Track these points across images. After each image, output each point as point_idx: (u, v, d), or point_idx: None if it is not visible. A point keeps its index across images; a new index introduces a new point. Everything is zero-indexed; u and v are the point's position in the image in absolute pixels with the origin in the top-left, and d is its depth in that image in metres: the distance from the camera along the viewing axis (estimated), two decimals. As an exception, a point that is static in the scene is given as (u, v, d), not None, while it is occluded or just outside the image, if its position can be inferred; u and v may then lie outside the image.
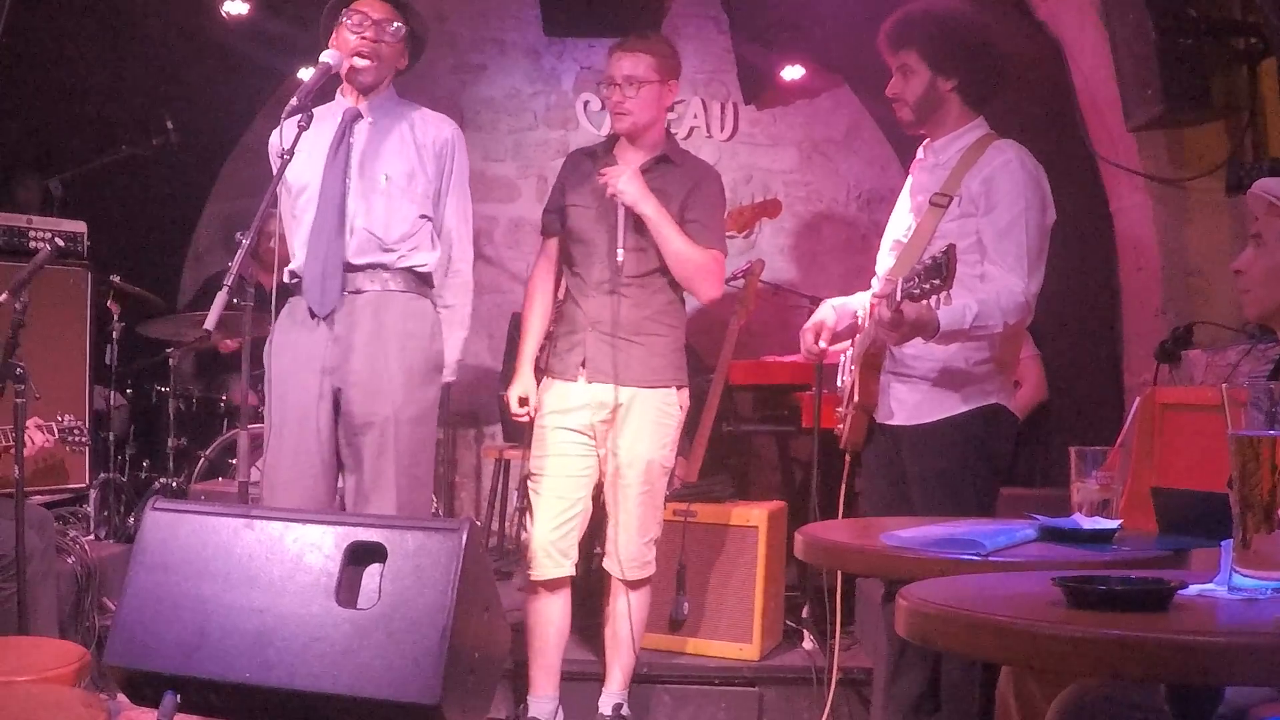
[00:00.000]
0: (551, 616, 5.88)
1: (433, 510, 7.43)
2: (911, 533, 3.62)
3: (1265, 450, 2.66)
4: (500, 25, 10.34)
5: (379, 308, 5.37)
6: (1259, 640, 2.26)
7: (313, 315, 5.33)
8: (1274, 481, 2.66)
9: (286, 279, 5.47)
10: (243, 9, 7.95)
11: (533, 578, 5.84)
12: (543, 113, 10.34)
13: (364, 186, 5.38)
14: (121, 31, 8.16)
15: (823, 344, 5.23)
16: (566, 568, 5.84)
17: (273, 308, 5.49)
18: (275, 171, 5.02)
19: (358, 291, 5.35)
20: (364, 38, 5.41)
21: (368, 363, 5.31)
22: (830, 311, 5.28)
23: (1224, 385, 2.86)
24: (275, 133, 5.37)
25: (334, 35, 5.51)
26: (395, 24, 5.49)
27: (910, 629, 2.57)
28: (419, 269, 5.47)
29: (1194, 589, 2.65)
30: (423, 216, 5.47)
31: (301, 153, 5.27)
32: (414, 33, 5.62)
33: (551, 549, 5.79)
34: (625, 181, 5.67)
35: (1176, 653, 2.21)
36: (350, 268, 5.34)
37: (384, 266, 5.39)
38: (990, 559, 3.32)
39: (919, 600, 2.56)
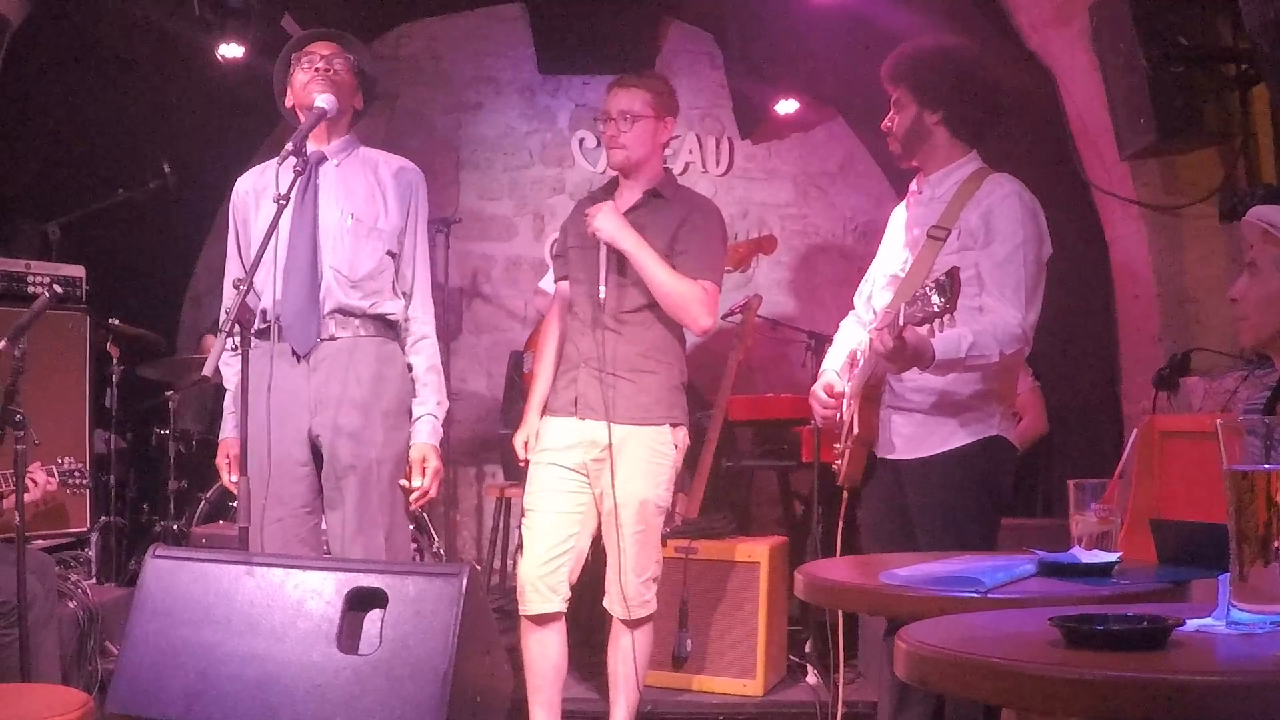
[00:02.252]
0: (546, 652, 5.85)
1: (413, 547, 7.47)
2: (910, 571, 3.61)
3: (1260, 484, 2.66)
4: (495, 64, 10.37)
5: (353, 353, 5.41)
6: (1256, 678, 2.25)
7: (294, 354, 5.36)
8: (1270, 515, 2.66)
9: (258, 323, 5.46)
10: (238, 52, 7.94)
11: (522, 613, 5.84)
12: (538, 151, 10.36)
13: (331, 226, 5.43)
14: (118, 76, 8.18)
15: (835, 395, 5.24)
16: (556, 603, 5.81)
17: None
18: (273, 217, 4.99)
19: (331, 338, 5.39)
20: (316, 69, 5.46)
21: (347, 409, 5.35)
22: (834, 376, 5.29)
23: (1218, 419, 2.85)
24: (242, 179, 5.61)
25: (289, 89, 5.59)
26: (342, 59, 5.53)
27: (909, 671, 2.57)
28: (388, 316, 5.51)
29: (1192, 625, 2.65)
30: (388, 254, 5.50)
31: (266, 199, 5.39)
32: (364, 71, 5.66)
33: (540, 584, 5.77)
34: (602, 218, 5.73)
35: (1174, 692, 2.20)
36: (323, 311, 5.39)
37: (354, 313, 5.43)
38: (989, 596, 3.31)
39: (917, 642, 2.56)
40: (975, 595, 3.31)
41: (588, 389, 5.80)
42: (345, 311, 5.41)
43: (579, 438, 5.81)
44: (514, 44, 10.29)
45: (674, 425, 5.90)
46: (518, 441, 6.02)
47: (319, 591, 4.07)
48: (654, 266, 5.72)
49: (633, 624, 5.90)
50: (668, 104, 5.94)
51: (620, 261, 5.77)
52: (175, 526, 8.13)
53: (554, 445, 5.86)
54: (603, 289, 5.75)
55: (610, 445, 5.75)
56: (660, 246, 5.75)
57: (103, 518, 7.80)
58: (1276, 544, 2.67)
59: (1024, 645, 2.53)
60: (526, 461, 5.98)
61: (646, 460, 5.82)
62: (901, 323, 4.42)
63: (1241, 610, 2.66)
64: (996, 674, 2.36)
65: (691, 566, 6.87)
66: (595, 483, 5.84)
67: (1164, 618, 2.56)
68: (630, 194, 5.94)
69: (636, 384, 5.80)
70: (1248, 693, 2.21)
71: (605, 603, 5.94)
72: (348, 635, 4.00)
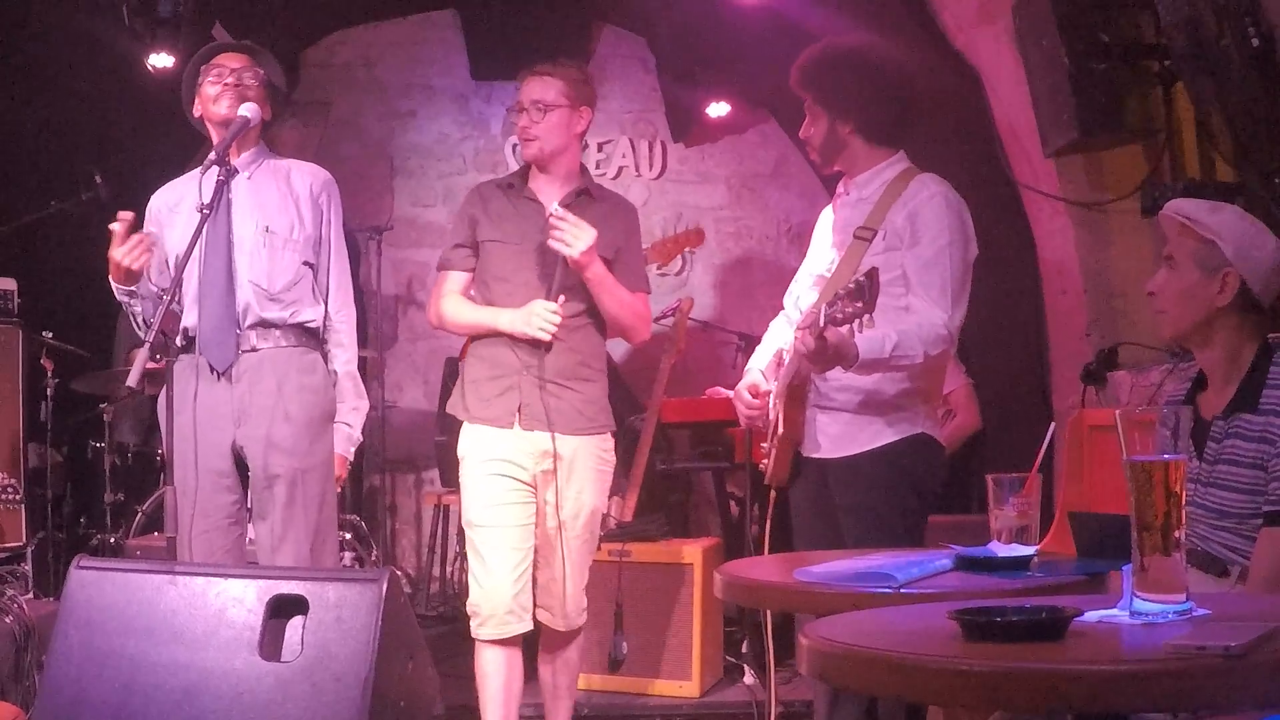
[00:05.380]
0: (513, 675, 5.66)
1: (342, 552, 7.46)
2: (825, 568, 3.63)
3: (1158, 474, 2.70)
4: (428, 71, 10.39)
5: (274, 363, 5.38)
6: (1149, 667, 2.27)
7: (212, 370, 5.34)
8: (1169, 505, 2.69)
9: (180, 338, 5.44)
10: (168, 62, 7.91)
11: (495, 637, 5.57)
12: (472, 157, 10.37)
13: (246, 239, 5.41)
14: (48, 86, 8.15)
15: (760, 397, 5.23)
16: (527, 622, 5.62)
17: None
18: (196, 226, 5.00)
19: (252, 350, 5.36)
20: (225, 84, 5.43)
21: (269, 419, 5.33)
22: (759, 375, 5.29)
23: (1118, 411, 2.89)
24: (156, 195, 5.60)
25: (196, 99, 5.57)
26: (252, 73, 5.50)
27: (810, 666, 2.59)
28: (308, 325, 5.50)
29: (1094, 615, 2.68)
30: (305, 264, 5.50)
31: (180, 216, 5.41)
32: (272, 83, 5.63)
33: (515, 605, 5.54)
34: (585, 252, 5.40)
35: (1066, 682, 2.23)
36: (242, 324, 5.37)
37: (274, 324, 5.41)
38: (902, 591, 3.34)
39: (817, 637, 2.58)
40: (888, 591, 3.34)
41: (532, 399, 5.59)
42: (265, 324, 5.39)
43: (528, 448, 5.60)
44: (447, 51, 10.32)
45: (612, 432, 5.84)
46: (544, 314, 5.48)
47: (240, 599, 4.06)
48: (613, 290, 5.61)
49: (575, 633, 5.83)
50: (583, 93, 5.74)
51: (568, 270, 5.55)
52: (112, 539, 8.11)
53: (498, 455, 5.62)
54: (557, 302, 5.50)
55: (558, 456, 5.58)
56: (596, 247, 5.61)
57: (40, 532, 7.76)
58: (1177, 534, 2.70)
59: (923, 639, 2.56)
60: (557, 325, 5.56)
61: (595, 470, 5.72)
62: (822, 323, 4.44)
63: (1144, 600, 2.69)
64: (890, 667, 2.38)
65: (626, 570, 6.87)
66: (540, 493, 5.66)
67: (1062, 608, 2.58)
68: (550, 187, 5.73)
69: (582, 393, 5.67)
70: (1140, 681, 2.24)
71: (541, 616, 5.74)
72: (270, 643, 3.99)
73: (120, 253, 5.11)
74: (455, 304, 5.81)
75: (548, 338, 5.48)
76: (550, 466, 5.61)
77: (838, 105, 5.07)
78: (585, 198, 5.75)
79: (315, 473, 5.41)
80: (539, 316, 5.48)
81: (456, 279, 5.84)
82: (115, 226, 5.17)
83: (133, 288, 5.26)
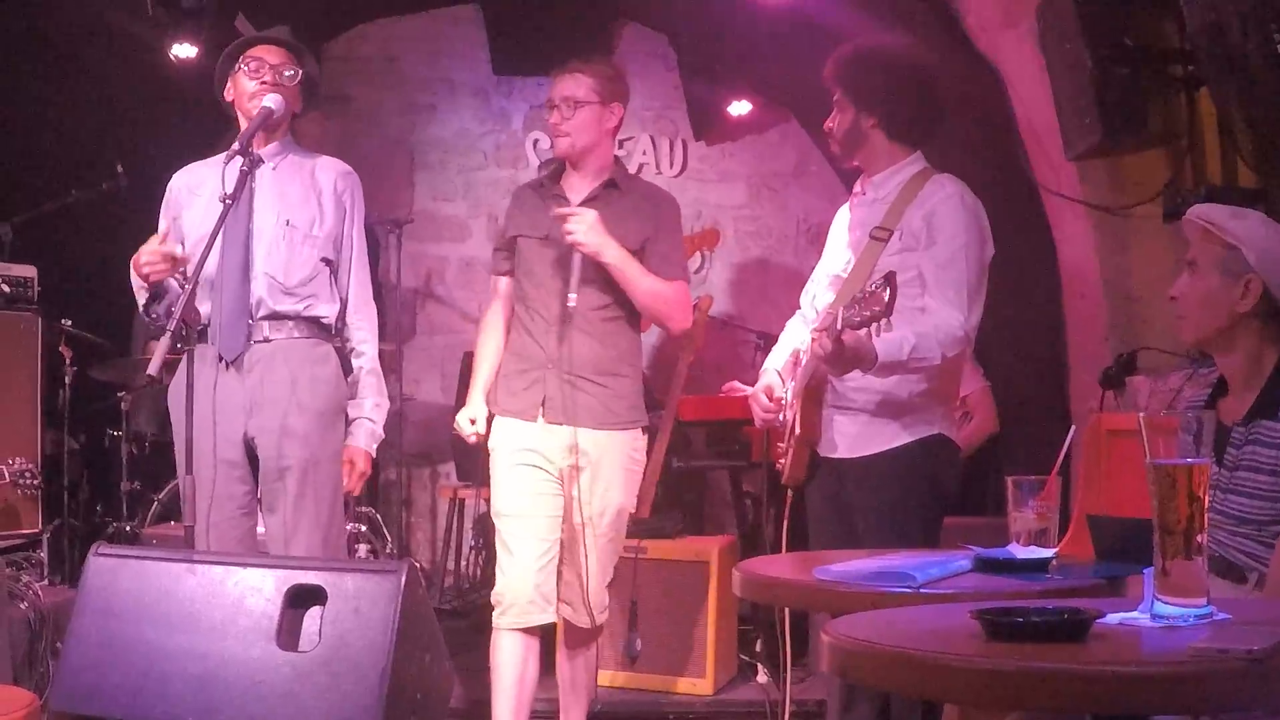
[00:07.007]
0: (530, 666, 5.63)
1: (356, 545, 7.46)
2: (844, 566, 3.63)
3: (1181, 478, 2.70)
4: (449, 65, 10.39)
5: (287, 354, 5.37)
6: (1170, 669, 2.27)
7: (221, 359, 5.33)
8: (1191, 509, 2.69)
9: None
10: (191, 52, 7.93)
11: (516, 626, 5.56)
12: (492, 152, 10.37)
13: (266, 231, 5.39)
14: (70, 76, 8.16)
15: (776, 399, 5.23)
16: (550, 614, 5.61)
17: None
18: (219, 216, 5.02)
19: (265, 340, 5.35)
20: (263, 82, 5.42)
21: (281, 409, 5.31)
22: (775, 376, 5.30)
23: (1141, 414, 2.89)
24: (177, 176, 5.62)
25: (230, 84, 5.55)
26: (292, 69, 5.49)
27: (831, 663, 2.59)
28: (322, 319, 5.49)
29: (1116, 618, 2.68)
30: (323, 260, 5.48)
31: (200, 200, 5.41)
32: (309, 78, 5.61)
33: (536, 595, 5.54)
34: (586, 233, 5.43)
35: (1088, 684, 2.23)
36: (255, 316, 5.36)
37: (287, 316, 5.40)
38: (921, 591, 3.34)
39: (839, 635, 2.58)
40: (907, 590, 3.34)
41: (556, 392, 5.59)
42: (278, 316, 5.37)
43: (553, 441, 5.60)
44: (468, 45, 10.31)
45: (644, 429, 5.83)
46: (462, 417, 5.81)
47: (259, 588, 4.07)
48: (639, 278, 5.56)
49: (596, 631, 5.83)
50: (614, 89, 5.72)
51: (592, 265, 5.54)
52: (128, 528, 8.11)
53: (526, 446, 5.64)
54: (573, 296, 5.48)
55: (583, 452, 5.57)
56: (620, 238, 5.54)
57: (55, 519, 7.77)
58: (1199, 538, 2.70)
59: (944, 638, 2.56)
60: (470, 437, 5.82)
61: (625, 468, 5.70)
62: (839, 326, 4.43)
63: (1165, 603, 2.69)
64: (912, 665, 2.38)
65: (641, 566, 6.85)
66: (568, 488, 5.64)
67: (1084, 610, 2.58)
68: (580, 182, 5.75)
69: (609, 388, 5.64)
70: (1162, 683, 2.24)
71: (565, 613, 5.74)
72: (287, 632, 4.00)
73: (145, 255, 5.11)
74: (482, 336, 5.99)
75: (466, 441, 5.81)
76: (576, 462, 5.59)
77: (864, 98, 5.09)
78: (612, 190, 5.72)
79: (326, 464, 5.40)
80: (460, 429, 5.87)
81: (498, 285, 5.97)
82: (162, 225, 5.21)
83: (145, 285, 5.25)
